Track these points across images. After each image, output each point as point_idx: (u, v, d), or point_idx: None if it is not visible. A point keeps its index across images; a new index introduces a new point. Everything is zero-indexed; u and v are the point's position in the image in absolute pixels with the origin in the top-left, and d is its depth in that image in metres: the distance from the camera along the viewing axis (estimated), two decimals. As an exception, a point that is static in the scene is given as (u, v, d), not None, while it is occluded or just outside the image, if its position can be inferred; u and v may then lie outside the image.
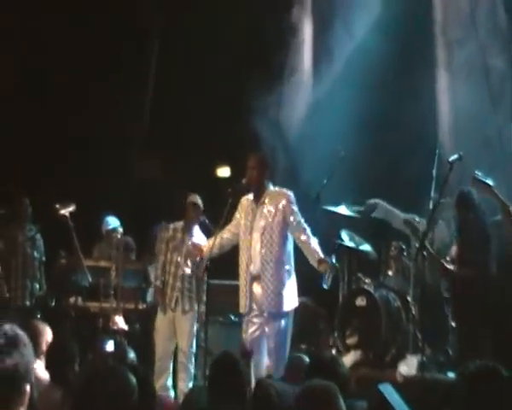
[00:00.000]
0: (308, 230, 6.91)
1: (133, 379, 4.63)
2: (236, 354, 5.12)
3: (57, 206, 8.33)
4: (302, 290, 7.34)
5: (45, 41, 10.82)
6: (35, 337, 5.29)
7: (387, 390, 5.15)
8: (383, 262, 9.32)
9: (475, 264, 7.49)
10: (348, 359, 8.13)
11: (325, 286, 6.75)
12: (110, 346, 7.13)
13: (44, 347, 5.64)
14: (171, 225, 8.31)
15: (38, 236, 9.54)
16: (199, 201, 8.16)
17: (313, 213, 7.86)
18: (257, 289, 6.91)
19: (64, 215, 8.28)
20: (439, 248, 8.08)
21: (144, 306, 9.16)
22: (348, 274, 9.23)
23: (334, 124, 9.58)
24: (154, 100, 11.73)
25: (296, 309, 7.11)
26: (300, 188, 8.08)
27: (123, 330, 8.37)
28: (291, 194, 7.02)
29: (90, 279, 8.51)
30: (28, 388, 2.65)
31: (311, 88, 11.11)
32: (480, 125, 9.48)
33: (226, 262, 7.39)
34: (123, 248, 9.06)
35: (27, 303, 9.40)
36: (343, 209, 9.09)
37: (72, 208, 8.37)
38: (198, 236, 8.14)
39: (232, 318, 8.87)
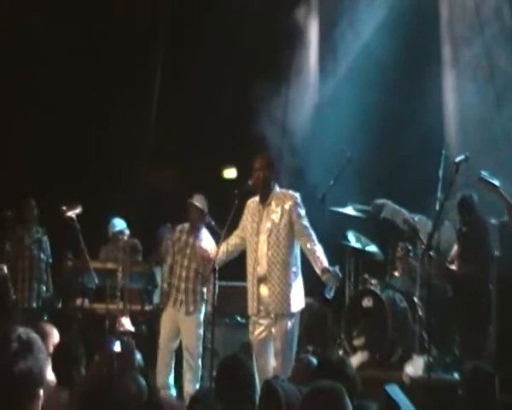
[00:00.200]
0: (314, 236, 6.87)
1: (143, 382, 4.65)
2: (242, 355, 5.12)
3: (64, 208, 8.34)
4: (309, 292, 7.33)
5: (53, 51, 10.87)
6: (42, 339, 5.29)
7: (394, 391, 5.16)
8: (390, 263, 9.33)
9: (475, 261, 7.61)
10: (355, 360, 8.14)
11: (328, 296, 6.71)
12: (118, 347, 7.13)
13: (51, 349, 5.64)
14: (178, 227, 8.33)
15: (45, 238, 9.58)
16: (201, 202, 8.15)
17: (319, 214, 7.86)
18: (264, 290, 6.89)
19: (71, 217, 8.28)
20: (445, 248, 8.10)
21: (151, 307, 9.18)
22: (355, 275, 9.24)
23: (340, 125, 9.59)
24: (161, 102, 11.73)
25: (303, 311, 7.09)
26: (306, 189, 8.07)
27: (129, 332, 8.38)
28: (297, 195, 7.00)
29: (97, 281, 8.51)
30: (41, 392, 2.65)
31: (317, 89, 11.11)
32: (487, 124, 9.47)
33: (233, 264, 7.38)
34: (129, 250, 9.08)
35: (34, 305, 9.43)
36: (350, 210, 9.09)
37: (78, 210, 8.38)
38: (206, 238, 8.14)
39: (238, 319, 8.88)
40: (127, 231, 9.41)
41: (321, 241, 6.91)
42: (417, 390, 6.82)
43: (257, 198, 7.09)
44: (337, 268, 6.69)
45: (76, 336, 8.05)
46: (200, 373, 8.06)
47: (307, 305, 7.38)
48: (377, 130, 9.71)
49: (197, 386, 7.88)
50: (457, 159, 7.04)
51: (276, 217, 6.89)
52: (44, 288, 9.57)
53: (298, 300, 6.94)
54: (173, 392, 8.00)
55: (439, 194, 7.37)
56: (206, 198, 8.22)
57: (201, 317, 8.10)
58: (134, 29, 11.09)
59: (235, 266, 7.34)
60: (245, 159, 7.60)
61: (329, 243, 7.32)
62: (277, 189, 7.05)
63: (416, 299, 8.50)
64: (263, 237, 6.91)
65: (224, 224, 6.86)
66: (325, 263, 6.73)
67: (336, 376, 4.15)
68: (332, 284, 6.69)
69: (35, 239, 9.48)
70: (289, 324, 6.86)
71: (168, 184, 10.95)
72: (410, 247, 8.97)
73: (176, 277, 8.16)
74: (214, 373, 6.03)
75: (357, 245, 9.17)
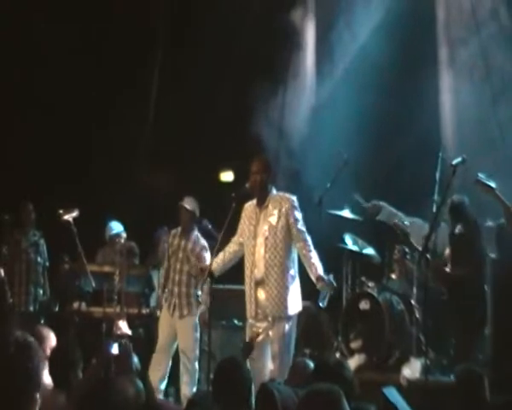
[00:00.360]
0: (309, 241, 6.84)
1: (140, 385, 4.64)
2: (239, 358, 5.11)
3: (61, 211, 8.33)
4: (306, 295, 7.32)
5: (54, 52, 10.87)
6: (39, 343, 5.28)
7: (392, 393, 5.16)
8: (387, 266, 9.32)
9: (469, 263, 7.66)
10: (352, 362, 8.13)
11: (321, 305, 6.67)
12: (115, 350, 7.12)
13: (48, 352, 5.63)
14: (173, 231, 8.33)
15: (42, 241, 9.57)
16: (192, 204, 8.14)
17: (316, 216, 7.85)
18: (261, 293, 6.89)
19: (67, 221, 8.28)
20: (441, 250, 8.11)
21: (148, 311, 9.17)
22: (352, 278, 9.23)
23: (337, 127, 9.58)
24: (158, 105, 11.72)
25: (300, 313, 7.09)
26: (303, 191, 8.06)
27: (126, 335, 8.37)
28: (295, 198, 6.99)
29: (94, 284, 8.50)
30: (38, 395, 2.64)
31: (314, 91, 11.11)
32: (483, 125, 9.47)
33: (230, 267, 7.37)
34: (126, 254, 9.07)
35: (31, 308, 9.42)
36: (346, 213, 9.09)
37: (75, 214, 8.37)
38: (197, 240, 8.15)
39: (236, 322, 8.87)
40: (124, 234, 9.40)
41: (318, 244, 6.91)
42: (415, 393, 6.82)
43: (254, 201, 7.09)
44: (331, 277, 6.64)
45: (73, 339, 8.05)
46: (197, 376, 8.05)
47: (304, 308, 7.37)
48: (374, 132, 9.70)
49: (194, 389, 7.86)
50: (454, 161, 7.03)
51: (273, 220, 6.89)
52: (41, 291, 9.56)
53: (295, 303, 6.93)
54: (161, 397, 7.95)
55: (435, 196, 7.38)
56: (199, 201, 8.21)
57: (197, 319, 8.10)
58: (134, 29, 11.07)
59: (233, 269, 7.34)
60: (242, 161, 7.59)
61: (326, 245, 7.32)
62: (274, 192, 7.05)
63: (413, 301, 8.50)
64: (260, 240, 6.90)
65: (221, 227, 6.86)
66: (320, 271, 6.70)
67: (334, 378, 4.14)
68: (326, 293, 6.64)
69: (32, 242, 9.48)
70: (287, 327, 6.86)
71: (165, 186, 10.95)
72: (406, 249, 8.96)
73: (170, 280, 8.17)
74: (211, 376, 6.04)
75: (354, 248, 9.16)
